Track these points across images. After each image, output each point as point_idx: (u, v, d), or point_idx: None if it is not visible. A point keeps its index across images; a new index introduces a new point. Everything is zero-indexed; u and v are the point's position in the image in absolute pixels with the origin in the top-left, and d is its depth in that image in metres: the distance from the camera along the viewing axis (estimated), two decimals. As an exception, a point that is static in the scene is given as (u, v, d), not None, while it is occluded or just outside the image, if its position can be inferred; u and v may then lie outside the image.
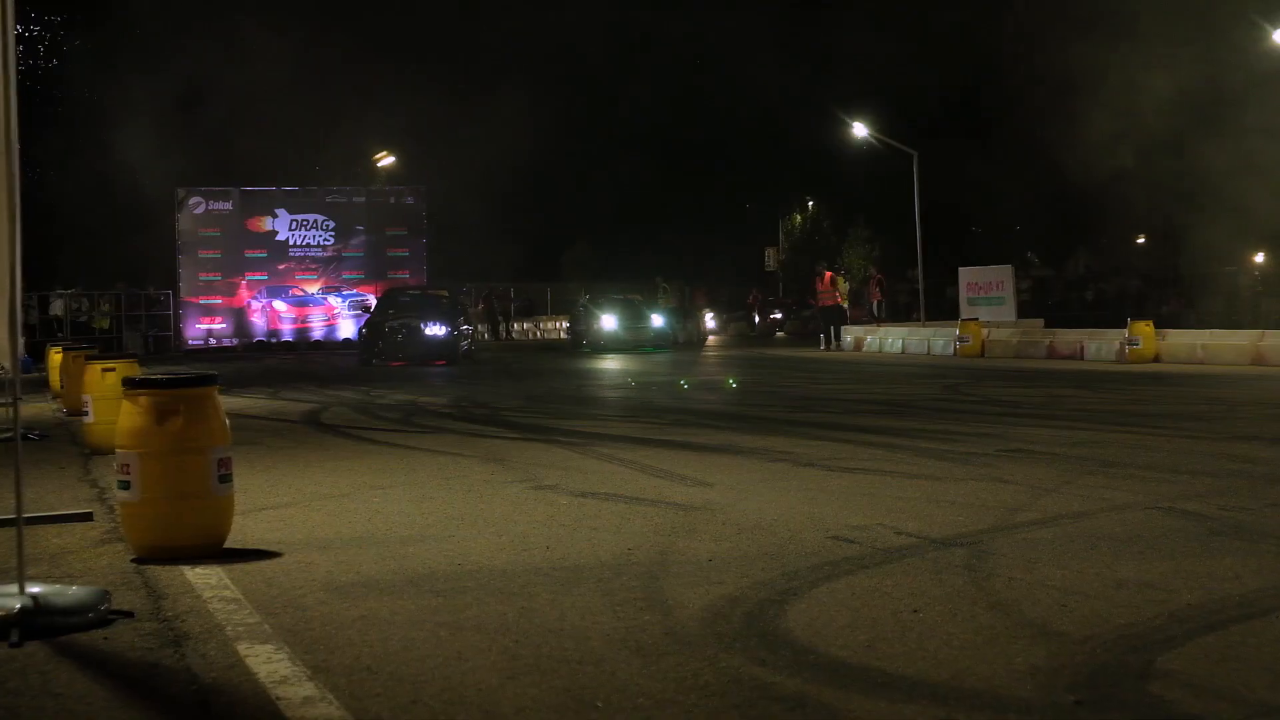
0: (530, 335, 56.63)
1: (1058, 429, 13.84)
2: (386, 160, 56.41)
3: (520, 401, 19.28)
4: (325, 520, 8.88)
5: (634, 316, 39.94)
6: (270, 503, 9.64)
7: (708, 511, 8.84)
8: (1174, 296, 48.62)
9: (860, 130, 44.05)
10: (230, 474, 7.71)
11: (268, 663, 5.33)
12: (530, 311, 61.63)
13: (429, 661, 5.32)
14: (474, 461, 11.90)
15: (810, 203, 76.83)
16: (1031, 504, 8.85)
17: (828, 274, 38.79)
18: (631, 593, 6.43)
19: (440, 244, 50.72)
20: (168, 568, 7.24)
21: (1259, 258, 70.42)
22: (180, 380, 7.71)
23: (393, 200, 46.68)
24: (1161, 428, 13.88)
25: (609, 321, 39.14)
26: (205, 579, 6.95)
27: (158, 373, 8.26)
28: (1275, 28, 31.24)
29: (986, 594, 6.26)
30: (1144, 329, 29.34)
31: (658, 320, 40.44)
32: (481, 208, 59.09)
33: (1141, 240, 74.63)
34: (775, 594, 6.34)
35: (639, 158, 71.93)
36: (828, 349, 37.66)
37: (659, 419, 16.18)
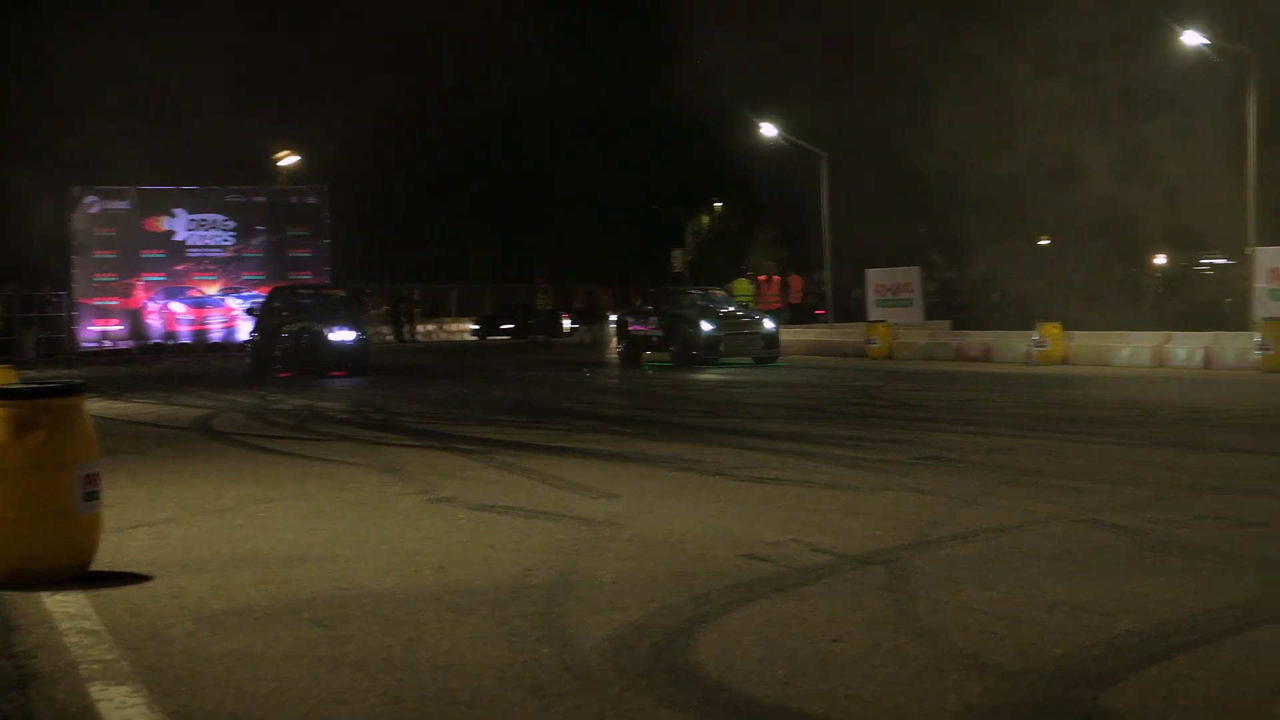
0: (434, 337, 55.90)
1: (972, 434, 13.51)
2: (289, 159, 55.41)
3: (420, 406, 18.70)
4: (205, 538, 8.30)
5: (736, 319, 30.68)
6: (148, 518, 9.03)
7: (612, 526, 8.36)
8: (1079, 298, 48.73)
9: (770, 131, 43.77)
10: (97, 490, 7.12)
11: (121, 708, 4.79)
12: (435, 313, 60.85)
13: (302, 706, 4.80)
14: (369, 471, 11.35)
15: (717, 204, 76.67)
16: (951, 517, 8.45)
17: (775, 276, 35.85)
18: (529, 620, 5.93)
19: (344, 245, 49.89)
20: (25, 595, 6.65)
21: (1160, 259, 71.07)
22: (42, 390, 7.11)
23: (294, 200, 45.75)
24: (1078, 433, 13.57)
25: (708, 326, 29.52)
26: (65, 607, 6.37)
27: (21, 382, 7.66)
28: (1185, 28, 31.20)
29: (910, 620, 5.83)
30: (1052, 331, 29.23)
31: (768, 323, 30.79)
32: (386, 208, 58.33)
33: (1045, 242, 74.94)
34: (684, 621, 5.87)
35: (547, 157, 71.43)
36: None
37: (564, 424, 15.69)
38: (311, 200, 45.70)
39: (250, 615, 6.17)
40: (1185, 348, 26.73)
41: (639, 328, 31.47)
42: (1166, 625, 5.61)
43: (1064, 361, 28.52)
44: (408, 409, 18.15)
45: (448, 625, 5.88)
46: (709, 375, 25.98)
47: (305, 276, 43.68)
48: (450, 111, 62.44)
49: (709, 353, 29.03)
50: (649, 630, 5.72)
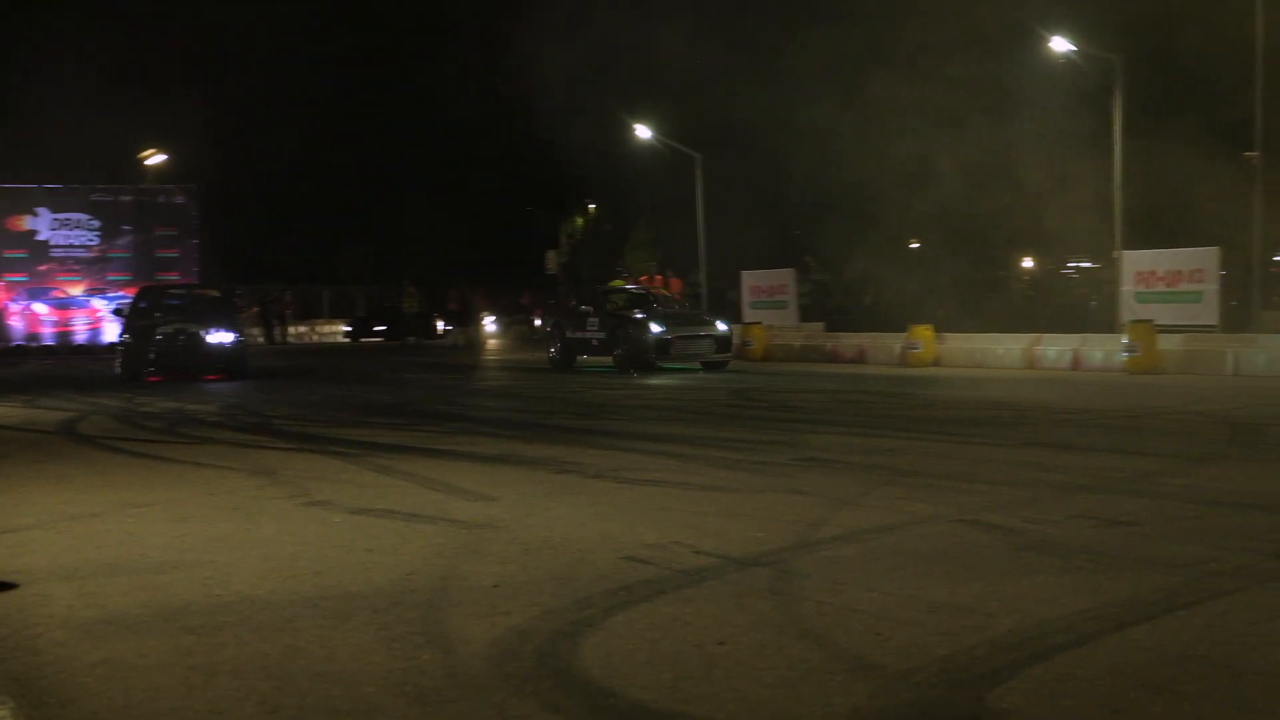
0: (306, 339, 55.28)
1: (849, 435, 13.59)
2: (156, 159, 54.45)
3: (293, 409, 18.43)
4: (72, 545, 8.08)
5: (685, 319, 29.17)
6: (12, 524, 8.77)
7: (492, 529, 8.27)
8: (950, 300, 49.34)
9: (644, 132, 43.81)
10: (-41, 497, 6.90)
11: (-13, 721, 4.62)
12: (307, 315, 60.17)
13: (177, 716, 4.67)
14: (242, 475, 11.12)
15: (591, 206, 76.59)
16: (831, 517, 8.46)
17: (659, 277, 34.79)
18: (410, 626, 5.83)
19: (212, 245, 49.17)
20: (-117, 604, 6.42)
21: (1027, 262, 72.08)
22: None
23: (162, 200, 45.13)
24: (953, 434, 13.70)
25: (657, 327, 27.49)
26: (-74, 617, 6.16)
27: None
28: (1051, 34, 31.69)
29: (795, 621, 5.81)
30: (924, 333, 29.56)
31: (721, 324, 28.82)
32: (255, 208, 57.57)
33: (915, 245, 75.72)
34: (568, 625, 5.80)
35: (421, 159, 70.94)
36: None
37: (440, 426, 15.57)
38: (179, 200, 45.09)
39: (121, 623, 6.00)
40: (1055, 349, 27.21)
41: (578, 331, 29.24)
42: (1047, 625, 5.64)
43: (936, 363, 28.85)
44: (280, 412, 17.88)
45: (326, 631, 5.76)
46: (584, 377, 25.89)
47: (173, 277, 43.05)
48: (317, 109, 61.78)
49: (659, 356, 27.29)
50: (532, 635, 5.64)
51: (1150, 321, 25.32)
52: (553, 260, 75.39)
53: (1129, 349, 24.84)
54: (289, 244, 63.71)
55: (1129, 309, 27.61)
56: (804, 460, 11.45)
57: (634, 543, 7.68)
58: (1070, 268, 66.95)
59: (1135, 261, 28.49)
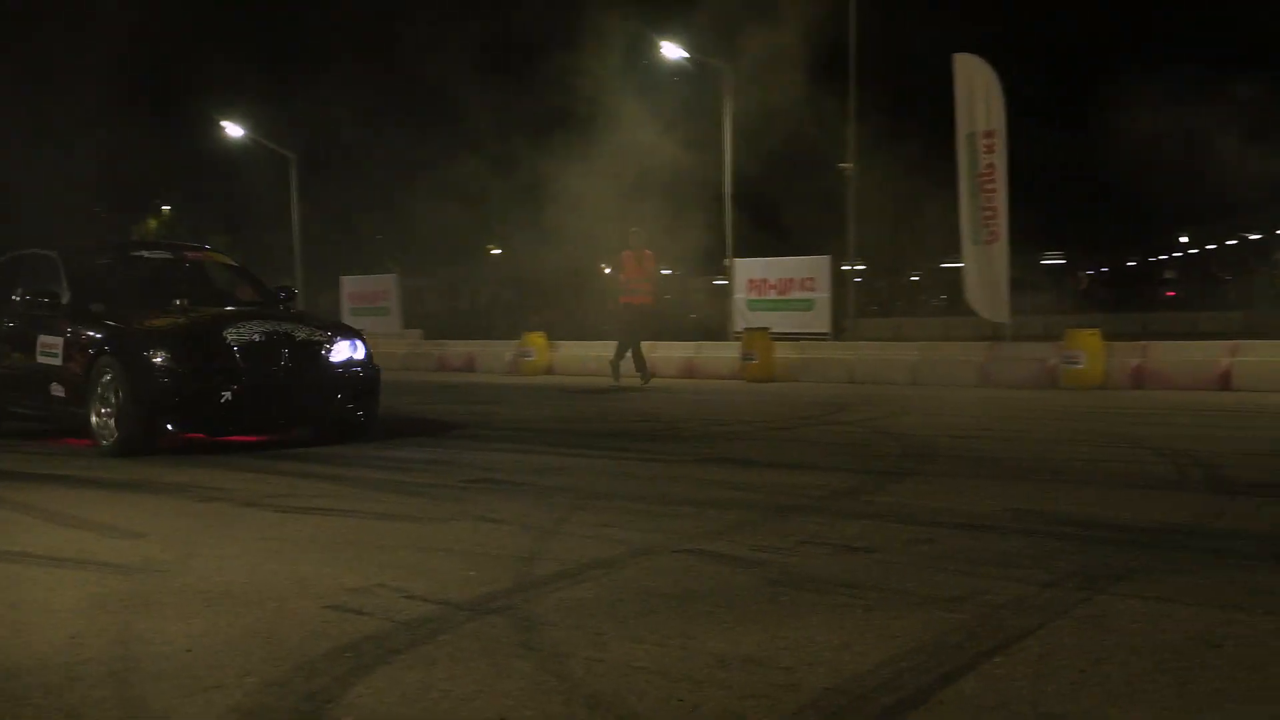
0: None
1: (507, 452, 12.78)
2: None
3: None
4: None
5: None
6: None
7: (155, 574, 7.07)
8: (549, 305, 49.34)
9: (235, 130, 41.88)
10: None
11: None
12: None
13: None
14: None
15: (165, 208, 73.73)
16: (541, 550, 7.61)
17: (627, 253, 24.32)
18: (104, 710, 4.69)
19: None
20: None
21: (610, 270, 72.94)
22: None
23: None
24: (619, 449, 13.07)
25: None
26: None
27: None
28: (663, 39, 31.67)
29: (573, 686, 4.94)
30: (537, 340, 29.11)
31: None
32: None
33: (498, 251, 75.86)
34: (302, 701, 4.76)
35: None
36: (645, 379, 24.04)
37: (42, 447, 13.97)
38: None
39: None
40: (672, 357, 27.07)
41: None
42: (863, 679, 4.95)
43: (550, 371, 28.40)
44: None
45: (-6, 725, 4.58)
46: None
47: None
48: None
49: None
50: (261, 717, 4.61)
51: (766, 329, 25.49)
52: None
53: (745, 356, 24.91)
54: None
55: (742, 316, 27.77)
56: (474, 481, 10.57)
57: (333, 587, 6.65)
58: (665, 274, 68.26)
59: (747, 269, 28.69)
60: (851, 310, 33.60)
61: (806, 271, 27.21)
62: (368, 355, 14.50)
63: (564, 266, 52.01)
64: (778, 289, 27.52)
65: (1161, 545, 7.43)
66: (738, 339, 26.46)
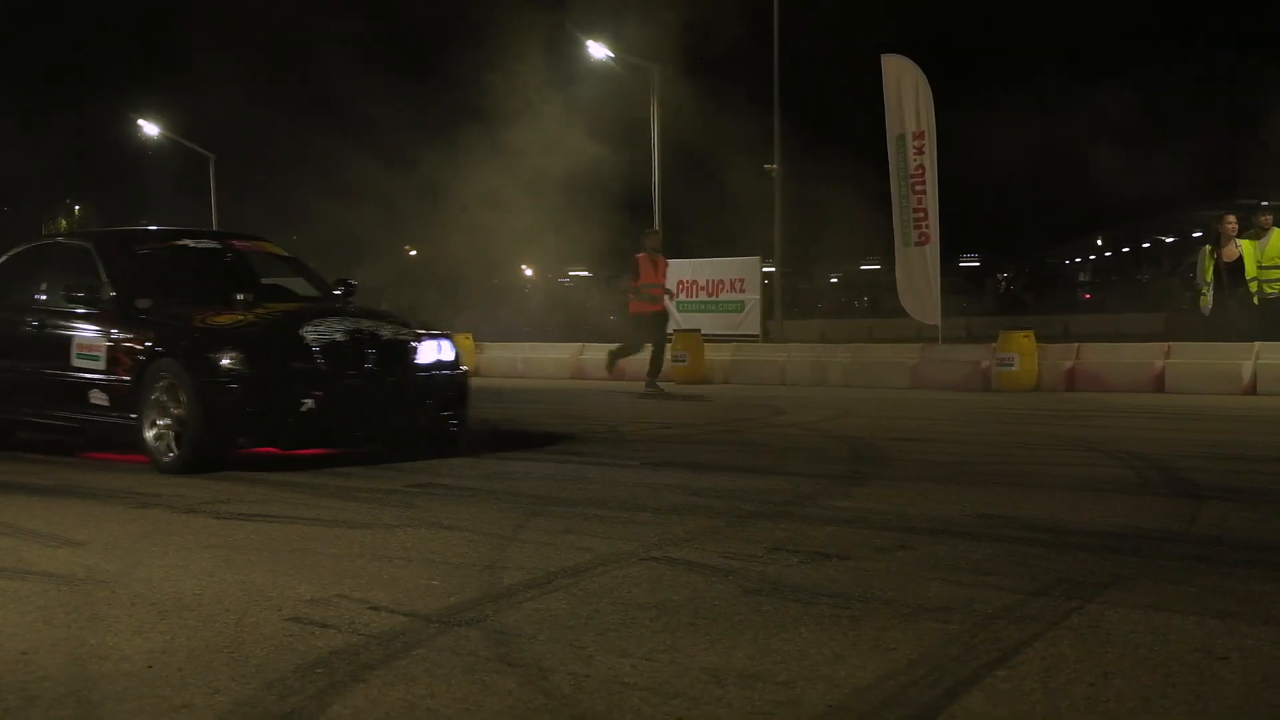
0: None
1: (447, 457, 12.43)
2: None
3: None
4: None
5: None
6: None
7: (100, 585, 6.73)
8: (470, 308, 48.97)
9: (151, 129, 41.16)
10: None
11: None
12: None
13: None
14: None
15: (77, 207, 72.65)
16: (505, 558, 7.34)
17: (642, 256, 22.14)
18: (68, 737, 4.40)
19: None
20: None
21: (527, 271, 72.74)
22: None
23: None
24: (561, 452, 12.81)
25: None
26: None
27: None
28: (589, 38, 31.43)
29: (562, 703, 4.68)
30: (464, 342, 28.72)
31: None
32: None
33: (414, 252, 75.35)
34: (279, 722, 4.50)
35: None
36: (652, 390, 21.81)
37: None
38: None
39: None
40: (600, 359, 26.86)
41: None
42: (865, 695, 4.72)
43: (477, 373, 28.01)
44: None
45: (-51, 753, 4.27)
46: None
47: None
48: None
49: None
50: (238, 741, 4.33)
51: (698, 331, 25.32)
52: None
53: (677, 358, 24.71)
54: None
55: (672, 318, 27.57)
56: (419, 486, 10.26)
57: (291, 598, 6.35)
58: (568, 277, 68.03)
59: (677, 271, 28.47)
60: (778, 312, 33.52)
61: (737, 273, 27.08)
62: (457, 357, 13.06)
63: (484, 265, 51.70)
64: (708, 290, 27.35)
65: (1139, 551, 7.27)
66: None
